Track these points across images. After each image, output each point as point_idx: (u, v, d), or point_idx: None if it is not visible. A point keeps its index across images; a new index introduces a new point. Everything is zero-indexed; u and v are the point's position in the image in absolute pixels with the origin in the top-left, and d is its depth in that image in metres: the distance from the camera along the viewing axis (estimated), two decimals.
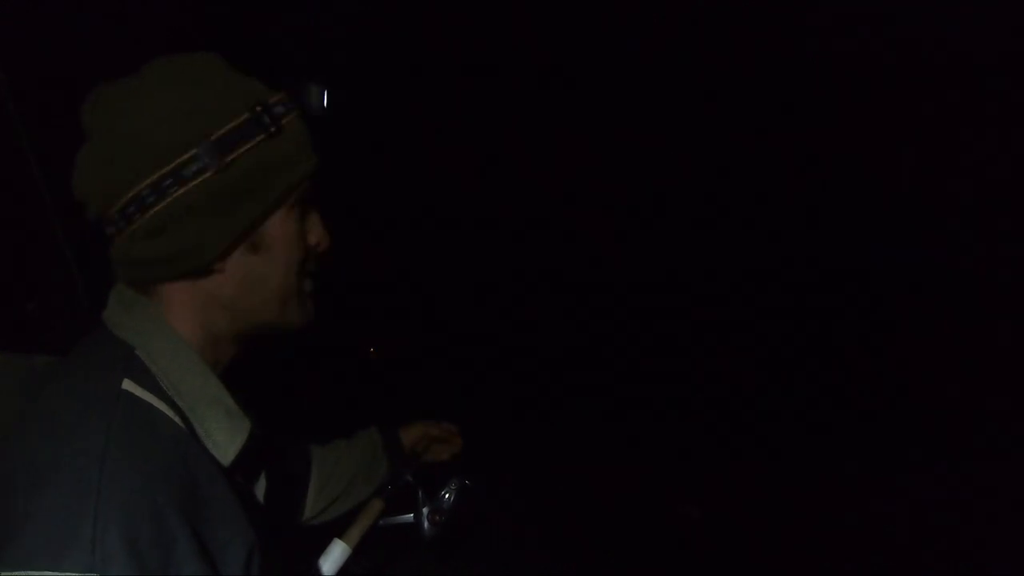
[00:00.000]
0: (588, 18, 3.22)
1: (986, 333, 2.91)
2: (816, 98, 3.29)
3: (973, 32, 2.92)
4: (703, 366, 3.24)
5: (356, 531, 1.34)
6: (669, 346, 3.33)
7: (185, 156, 0.89)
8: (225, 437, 0.93)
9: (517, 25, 3.19)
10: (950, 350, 2.95)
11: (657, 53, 3.30)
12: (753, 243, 3.46)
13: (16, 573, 0.76)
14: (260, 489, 1.07)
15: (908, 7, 3.01)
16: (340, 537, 1.33)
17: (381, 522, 1.38)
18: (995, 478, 2.50)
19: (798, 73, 3.27)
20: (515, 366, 3.16)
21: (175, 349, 0.94)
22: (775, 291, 3.34)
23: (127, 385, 0.88)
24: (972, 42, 2.94)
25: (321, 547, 1.33)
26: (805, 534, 2.42)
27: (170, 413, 0.90)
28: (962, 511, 2.41)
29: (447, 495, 1.39)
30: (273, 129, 0.93)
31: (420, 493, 1.39)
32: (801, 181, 3.40)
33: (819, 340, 3.22)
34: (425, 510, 1.38)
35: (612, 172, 3.51)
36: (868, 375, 3.08)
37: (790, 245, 3.44)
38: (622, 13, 3.18)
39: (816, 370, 3.14)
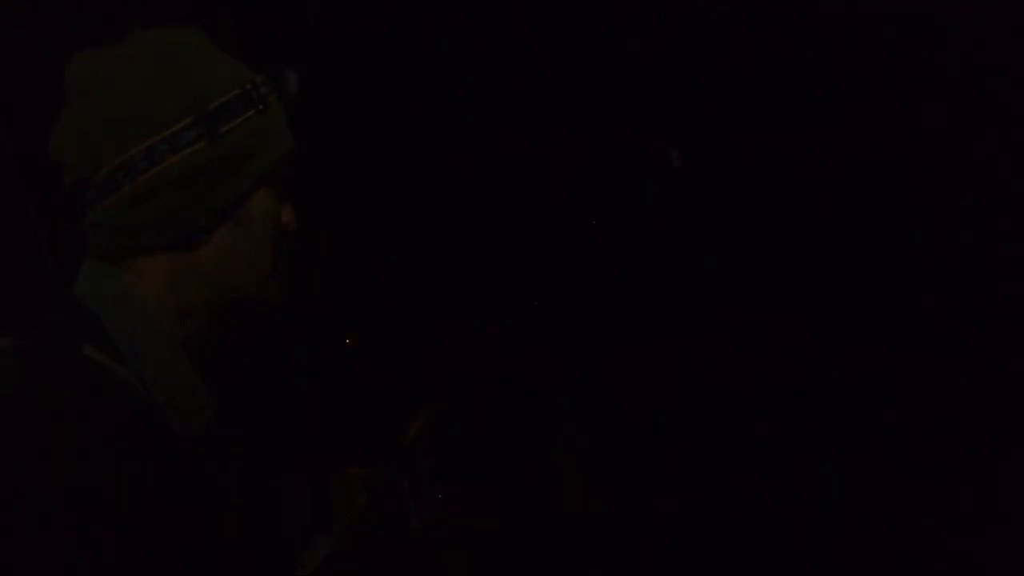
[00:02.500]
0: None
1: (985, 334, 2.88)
2: (816, 96, 3.28)
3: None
4: (683, 360, 3.21)
5: (339, 525, 1.31)
6: (645, 342, 3.30)
7: (181, 124, 0.92)
8: (188, 413, 0.93)
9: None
10: (935, 350, 2.93)
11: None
12: (743, 239, 3.44)
13: None
14: (232, 470, 1.06)
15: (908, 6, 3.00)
16: (323, 532, 1.30)
17: (365, 515, 1.34)
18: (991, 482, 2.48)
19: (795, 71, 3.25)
20: (494, 356, 3.13)
21: (143, 320, 0.93)
22: (765, 288, 3.32)
23: (88, 351, 0.88)
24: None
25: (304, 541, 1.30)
26: (782, 529, 2.42)
27: (134, 382, 0.90)
28: (954, 512, 2.39)
29: (433, 486, 1.36)
30: (261, 107, 0.98)
31: (406, 485, 1.36)
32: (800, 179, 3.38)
33: (803, 337, 3.20)
34: (412, 503, 1.35)
35: (604, 164, 3.48)
36: (855, 372, 3.06)
37: (777, 240, 3.42)
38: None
39: (796, 367, 3.11)
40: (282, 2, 2.74)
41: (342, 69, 2.97)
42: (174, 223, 0.93)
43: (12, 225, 1.34)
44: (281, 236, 1.05)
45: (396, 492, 1.35)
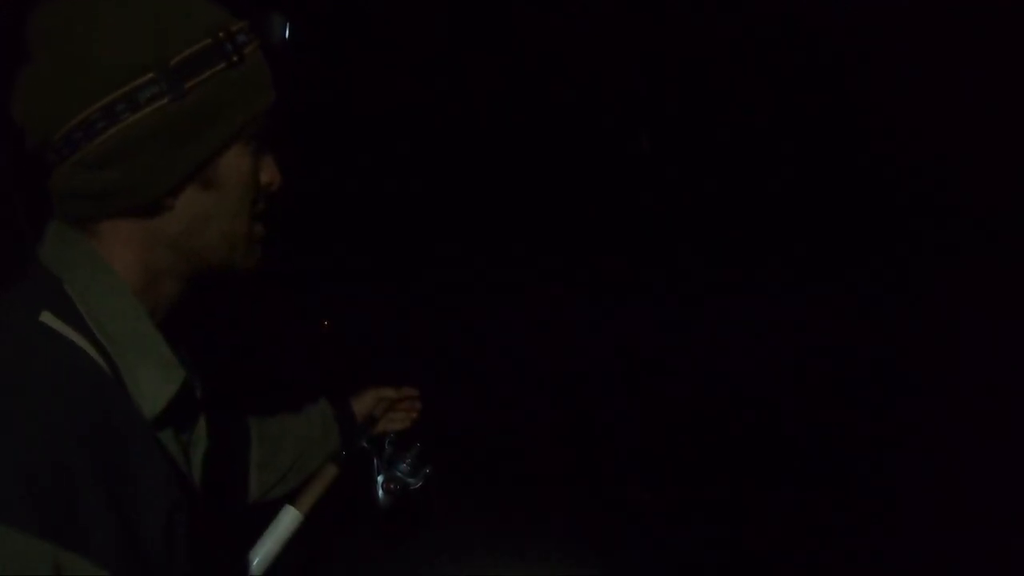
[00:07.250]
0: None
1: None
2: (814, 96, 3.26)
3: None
4: (666, 357, 3.21)
5: (309, 498, 1.31)
6: (631, 339, 3.29)
7: (141, 80, 0.84)
8: (154, 387, 0.87)
9: None
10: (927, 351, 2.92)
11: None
12: (732, 241, 3.43)
13: None
14: (199, 449, 0.99)
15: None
16: (292, 503, 1.30)
17: (334, 489, 1.34)
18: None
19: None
20: (477, 344, 3.11)
21: (110, 287, 0.89)
22: (747, 279, 3.31)
23: (46, 317, 0.83)
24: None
25: (272, 514, 1.30)
26: (756, 521, 2.42)
27: (93, 353, 0.83)
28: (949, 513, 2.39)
29: (404, 463, 1.35)
30: (235, 58, 0.89)
31: (375, 460, 1.35)
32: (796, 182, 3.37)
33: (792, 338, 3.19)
34: (380, 478, 1.35)
35: (599, 160, 3.47)
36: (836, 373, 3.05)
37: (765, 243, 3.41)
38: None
39: (780, 363, 3.11)
40: None
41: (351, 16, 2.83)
42: (133, 188, 0.86)
43: None
44: (258, 198, 0.96)
45: (364, 467, 1.35)
